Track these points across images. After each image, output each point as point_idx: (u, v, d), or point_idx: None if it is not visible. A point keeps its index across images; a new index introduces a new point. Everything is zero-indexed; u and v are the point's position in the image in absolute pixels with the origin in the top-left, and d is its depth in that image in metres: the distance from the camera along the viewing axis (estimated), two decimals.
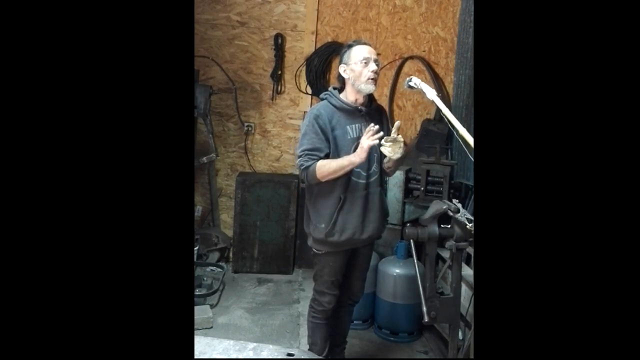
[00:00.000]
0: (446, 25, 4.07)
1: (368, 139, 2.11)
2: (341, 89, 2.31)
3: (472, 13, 3.48)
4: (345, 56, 2.26)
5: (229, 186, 4.16)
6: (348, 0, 4.03)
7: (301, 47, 4.06)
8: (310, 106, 4.05)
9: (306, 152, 2.20)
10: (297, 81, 4.08)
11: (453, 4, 4.03)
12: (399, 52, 4.10)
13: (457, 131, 2.02)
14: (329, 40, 4.05)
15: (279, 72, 4.06)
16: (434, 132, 3.92)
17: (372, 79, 2.21)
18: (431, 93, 2.18)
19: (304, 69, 4.06)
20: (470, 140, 2.08)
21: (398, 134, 2.15)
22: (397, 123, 2.15)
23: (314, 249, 2.37)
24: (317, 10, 4.02)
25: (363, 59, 2.21)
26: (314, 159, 2.19)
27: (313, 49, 4.04)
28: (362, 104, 2.28)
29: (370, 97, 2.33)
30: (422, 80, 2.23)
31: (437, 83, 4.04)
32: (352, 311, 2.62)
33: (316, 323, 2.45)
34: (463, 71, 3.66)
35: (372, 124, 2.15)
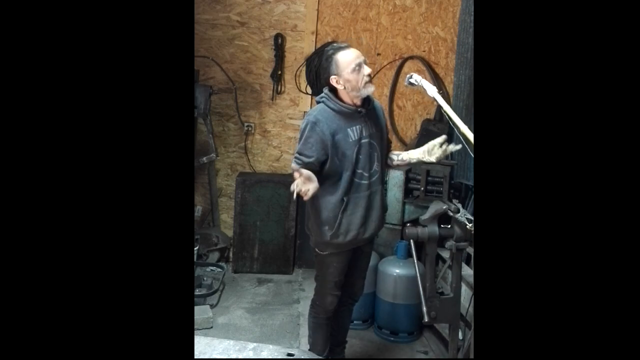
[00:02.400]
0: (446, 25, 4.07)
1: (301, 188, 1.98)
2: (335, 90, 2.24)
3: (472, 13, 3.48)
4: (333, 67, 2.18)
5: (229, 186, 4.15)
6: (348, 0, 4.03)
7: (301, 47, 4.06)
8: (311, 106, 4.05)
9: (297, 154, 2.20)
10: (297, 81, 4.08)
11: (453, 4, 4.03)
12: (399, 52, 4.10)
13: (458, 128, 2.01)
14: (329, 40, 4.04)
15: (279, 72, 4.05)
16: (434, 132, 3.91)
17: (368, 81, 2.18)
18: (432, 90, 2.17)
19: (304, 69, 4.05)
20: (472, 137, 2.07)
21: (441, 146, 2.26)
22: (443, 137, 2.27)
23: (317, 250, 2.36)
24: (317, 10, 4.02)
25: (355, 66, 2.14)
26: (299, 164, 2.15)
27: (313, 49, 4.04)
28: (360, 106, 2.24)
29: (367, 97, 2.28)
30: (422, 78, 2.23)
31: (437, 83, 4.04)
32: (352, 310, 2.62)
33: (318, 323, 2.45)
34: (463, 71, 3.66)
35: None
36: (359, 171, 2.23)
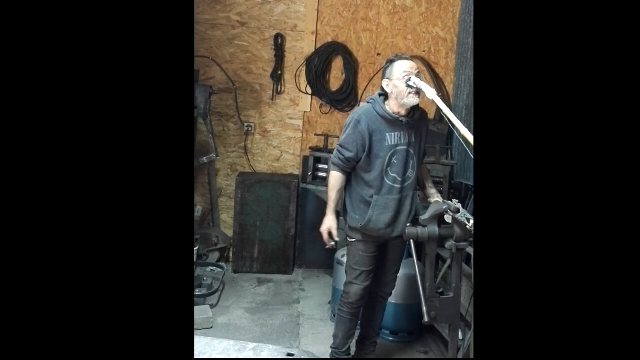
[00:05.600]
0: (446, 25, 4.07)
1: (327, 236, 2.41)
2: (387, 95, 2.35)
3: (472, 13, 3.49)
4: (388, 71, 2.32)
5: (229, 186, 4.15)
6: (348, 0, 4.03)
7: (301, 47, 4.06)
8: (310, 106, 4.08)
9: (339, 146, 2.37)
10: (297, 81, 4.08)
11: (453, 4, 4.03)
12: (399, 52, 4.10)
13: (458, 131, 2.02)
14: (329, 40, 4.05)
15: (279, 72, 4.05)
16: (434, 132, 3.91)
17: (413, 93, 2.26)
18: (431, 92, 2.19)
19: (304, 69, 4.06)
20: (472, 139, 2.07)
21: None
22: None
23: (347, 237, 2.48)
24: (317, 10, 4.02)
25: (406, 75, 2.25)
26: (340, 158, 2.35)
27: (313, 49, 4.04)
28: (404, 115, 2.33)
29: (413, 107, 2.36)
30: (422, 80, 2.24)
31: (437, 83, 4.04)
32: (384, 305, 2.66)
33: (341, 316, 2.53)
34: (463, 71, 3.66)
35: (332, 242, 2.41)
36: (393, 175, 2.34)
